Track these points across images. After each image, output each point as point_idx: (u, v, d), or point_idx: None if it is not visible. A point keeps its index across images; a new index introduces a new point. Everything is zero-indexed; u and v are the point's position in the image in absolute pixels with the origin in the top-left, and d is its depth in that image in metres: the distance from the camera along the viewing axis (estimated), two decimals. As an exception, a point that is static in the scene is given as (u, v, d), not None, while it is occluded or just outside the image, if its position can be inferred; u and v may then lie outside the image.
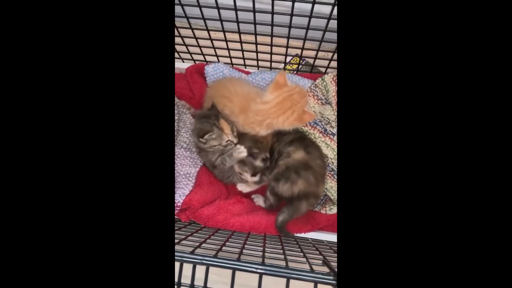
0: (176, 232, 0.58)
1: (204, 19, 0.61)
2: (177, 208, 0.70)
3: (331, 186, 0.70)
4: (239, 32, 0.64)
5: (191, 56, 0.77)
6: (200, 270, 0.39)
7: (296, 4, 0.52)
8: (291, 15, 0.55)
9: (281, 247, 0.56)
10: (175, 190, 0.70)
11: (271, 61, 0.75)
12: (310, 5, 0.52)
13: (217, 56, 0.76)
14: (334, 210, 0.69)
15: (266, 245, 0.57)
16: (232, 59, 0.76)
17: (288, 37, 0.63)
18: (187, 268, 0.39)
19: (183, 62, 0.81)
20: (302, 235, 0.69)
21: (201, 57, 0.78)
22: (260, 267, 0.39)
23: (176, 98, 0.78)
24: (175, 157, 0.74)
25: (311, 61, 0.82)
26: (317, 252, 0.55)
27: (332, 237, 0.69)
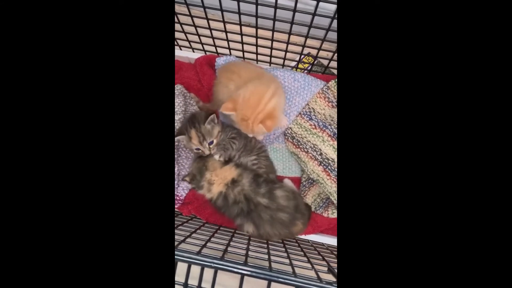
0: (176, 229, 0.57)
1: (222, 11, 0.58)
2: (180, 202, 0.69)
3: (334, 191, 0.70)
4: (257, 27, 0.62)
5: (202, 47, 0.75)
6: (208, 271, 0.39)
7: (321, 4, 0.50)
8: (314, 14, 0.53)
9: (284, 249, 0.56)
10: (179, 183, 0.69)
11: (284, 59, 0.73)
12: (334, 6, 0.50)
13: (229, 49, 0.73)
14: (336, 214, 0.69)
15: (261, 246, 0.57)
16: (245, 53, 0.74)
17: (307, 37, 0.62)
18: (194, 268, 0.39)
19: (193, 52, 0.78)
20: (303, 237, 0.69)
21: (213, 49, 0.75)
22: (268, 273, 0.39)
23: (184, 89, 0.76)
24: (181, 149, 0.72)
25: (324, 61, 0.81)
26: (320, 257, 0.56)
27: (333, 241, 0.69)
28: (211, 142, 0.64)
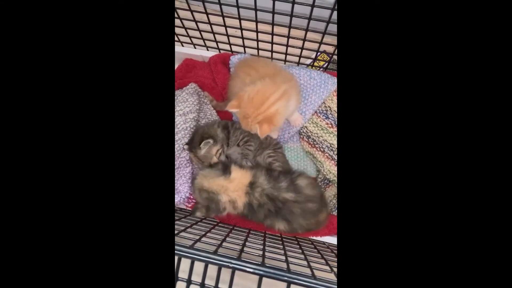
0: (188, 231, 0.56)
1: (238, 7, 0.57)
2: (193, 201, 0.68)
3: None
4: (273, 24, 0.61)
5: (217, 45, 0.74)
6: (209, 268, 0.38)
7: None
8: (333, 9, 0.52)
9: (300, 251, 0.55)
10: (192, 180, 0.69)
11: (300, 56, 0.72)
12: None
13: (244, 46, 0.73)
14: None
15: (276, 246, 0.55)
16: (259, 51, 0.73)
17: (324, 33, 0.60)
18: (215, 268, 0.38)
19: (208, 50, 0.78)
20: (319, 238, 0.68)
21: (226, 47, 0.75)
22: (288, 274, 0.38)
23: (198, 88, 0.75)
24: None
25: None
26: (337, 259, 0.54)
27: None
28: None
